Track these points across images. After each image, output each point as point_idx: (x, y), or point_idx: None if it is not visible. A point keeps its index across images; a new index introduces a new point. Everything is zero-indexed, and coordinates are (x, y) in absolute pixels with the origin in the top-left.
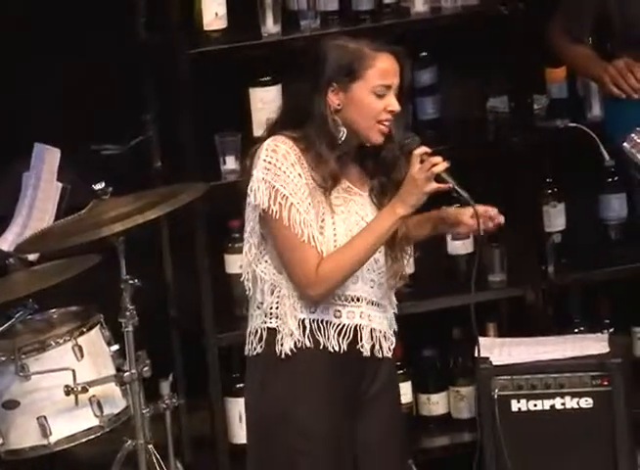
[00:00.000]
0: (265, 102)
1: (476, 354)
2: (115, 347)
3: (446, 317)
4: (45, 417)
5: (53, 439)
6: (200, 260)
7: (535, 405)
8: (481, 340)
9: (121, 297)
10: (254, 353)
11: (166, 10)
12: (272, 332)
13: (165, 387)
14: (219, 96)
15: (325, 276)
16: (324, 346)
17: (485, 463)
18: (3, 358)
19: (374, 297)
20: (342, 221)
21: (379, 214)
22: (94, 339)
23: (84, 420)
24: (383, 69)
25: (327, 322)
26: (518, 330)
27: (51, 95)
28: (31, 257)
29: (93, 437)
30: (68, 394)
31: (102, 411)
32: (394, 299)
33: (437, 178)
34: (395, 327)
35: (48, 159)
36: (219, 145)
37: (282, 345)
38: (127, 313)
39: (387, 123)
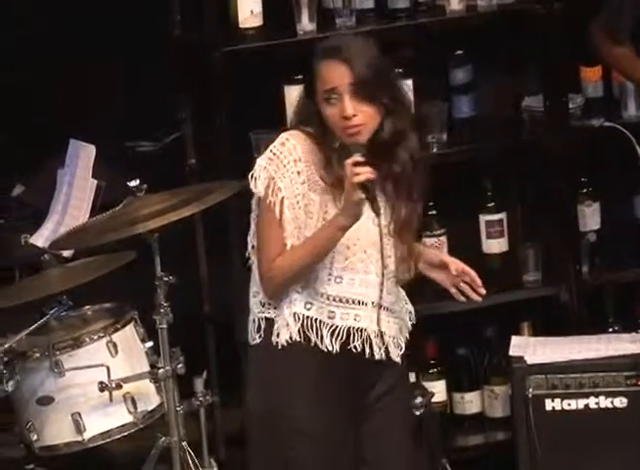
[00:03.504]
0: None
1: (510, 353)
2: (150, 343)
3: (481, 316)
4: (79, 413)
5: (87, 435)
6: (234, 257)
7: (569, 405)
8: (516, 339)
9: (156, 293)
10: (254, 343)
11: (202, 7)
12: (270, 322)
13: (199, 384)
14: (254, 94)
15: (274, 273)
16: (315, 343)
17: (519, 462)
18: (37, 355)
19: (384, 302)
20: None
21: (326, 223)
22: (128, 335)
23: (118, 417)
24: (322, 76)
25: (320, 322)
26: (552, 329)
27: (86, 92)
28: (66, 253)
29: (127, 433)
30: (102, 390)
31: (136, 408)
32: (409, 306)
33: (364, 189)
34: (407, 335)
35: (83, 155)
36: (254, 142)
37: (278, 335)
38: (161, 310)
39: (351, 130)
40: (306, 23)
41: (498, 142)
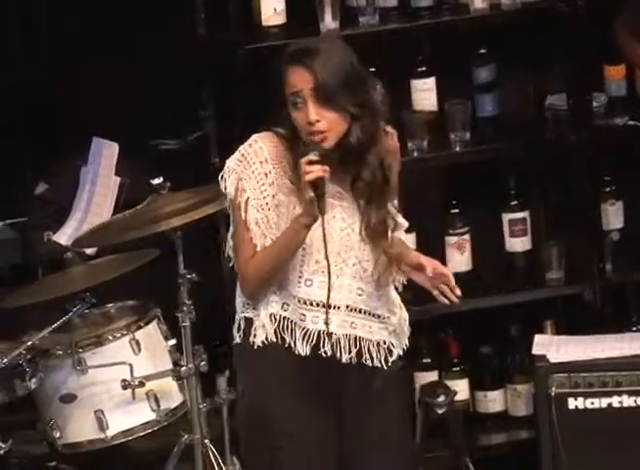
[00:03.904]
0: None
1: (533, 352)
2: (173, 341)
3: (504, 314)
4: (102, 411)
5: (110, 433)
6: None
7: (592, 403)
8: (539, 337)
9: (179, 291)
10: (235, 343)
11: (226, 6)
12: (249, 322)
13: (222, 381)
14: (277, 91)
15: (249, 273)
16: (289, 344)
17: (542, 461)
18: (60, 352)
19: (363, 305)
20: (326, 224)
21: (292, 222)
22: (151, 333)
23: (141, 414)
24: (288, 80)
25: (294, 323)
26: (575, 328)
27: (110, 90)
28: (89, 251)
29: (150, 431)
30: (125, 388)
31: (159, 406)
32: (402, 313)
33: (314, 187)
34: (403, 340)
35: (106, 153)
36: None
37: (255, 336)
38: (184, 308)
39: (315, 137)
40: (329, 22)
41: (521, 141)
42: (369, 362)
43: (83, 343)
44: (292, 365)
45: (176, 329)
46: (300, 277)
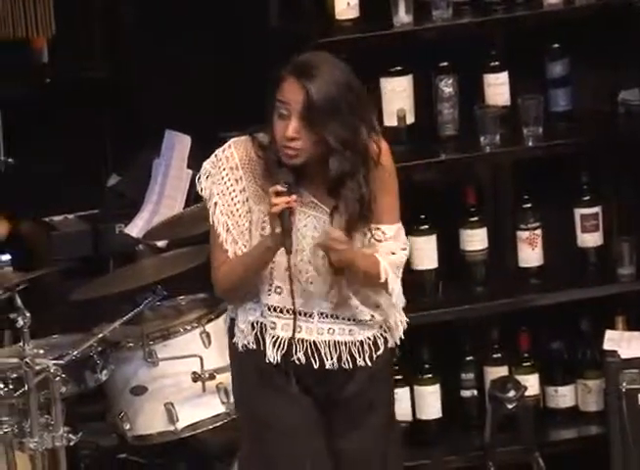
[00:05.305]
0: (396, 92)
1: (604, 347)
2: None
3: (575, 310)
4: (172, 403)
5: (180, 425)
6: None
7: None
8: (610, 333)
9: None
10: (228, 342)
11: None
12: (232, 322)
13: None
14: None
15: (219, 278)
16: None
17: (612, 457)
18: (131, 345)
19: (337, 311)
20: (297, 232)
21: (260, 241)
22: (222, 326)
23: (211, 407)
24: (282, 88)
25: (266, 329)
26: None
27: (182, 83)
28: (160, 243)
29: (219, 424)
30: (195, 380)
31: (228, 398)
32: (391, 311)
33: (280, 220)
34: (397, 336)
35: (178, 146)
36: None
37: (237, 338)
38: None
39: (289, 151)
40: (403, 16)
41: (594, 135)
42: (348, 365)
43: (154, 335)
44: (271, 370)
45: None
46: (271, 285)
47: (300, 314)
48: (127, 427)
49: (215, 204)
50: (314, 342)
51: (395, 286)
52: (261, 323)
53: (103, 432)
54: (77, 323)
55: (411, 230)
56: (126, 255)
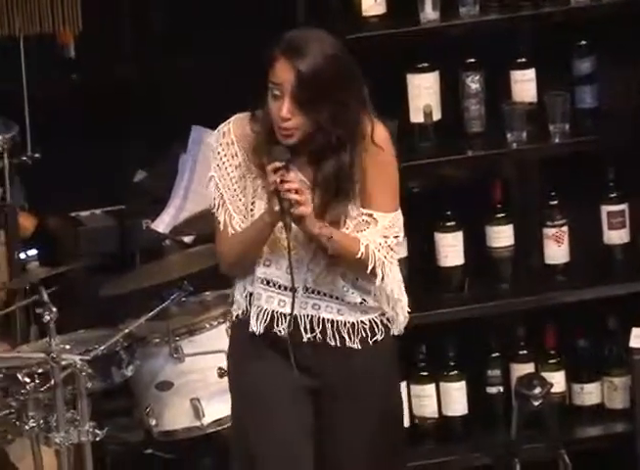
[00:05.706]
0: (423, 88)
1: (630, 345)
2: None
3: (601, 307)
4: (198, 399)
5: (206, 421)
6: None
7: None
8: (637, 330)
9: None
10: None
11: None
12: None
13: None
14: (376, 82)
15: (223, 251)
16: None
17: (639, 454)
18: (157, 340)
19: (325, 288)
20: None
21: (258, 217)
22: None
23: None
24: (273, 67)
25: (254, 300)
26: None
27: (209, 79)
28: (187, 239)
29: None
30: (221, 376)
31: None
32: (385, 298)
33: (278, 198)
34: (398, 325)
35: (206, 141)
36: None
37: (233, 309)
38: None
39: (284, 132)
40: (430, 12)
41: (621, 132)
42: (335, 343)
43: (180, 331)
44: (256, 341)
45: None
46: (261, 257)
47: (286, 289)
48: (153, 423)
49: (211, 177)
50: (303, 315)
51: (386, 271)
52: (251, 293)
53: (129, 427)
54: (103, 319)
55: (437, 227)
56: (153, 250)
